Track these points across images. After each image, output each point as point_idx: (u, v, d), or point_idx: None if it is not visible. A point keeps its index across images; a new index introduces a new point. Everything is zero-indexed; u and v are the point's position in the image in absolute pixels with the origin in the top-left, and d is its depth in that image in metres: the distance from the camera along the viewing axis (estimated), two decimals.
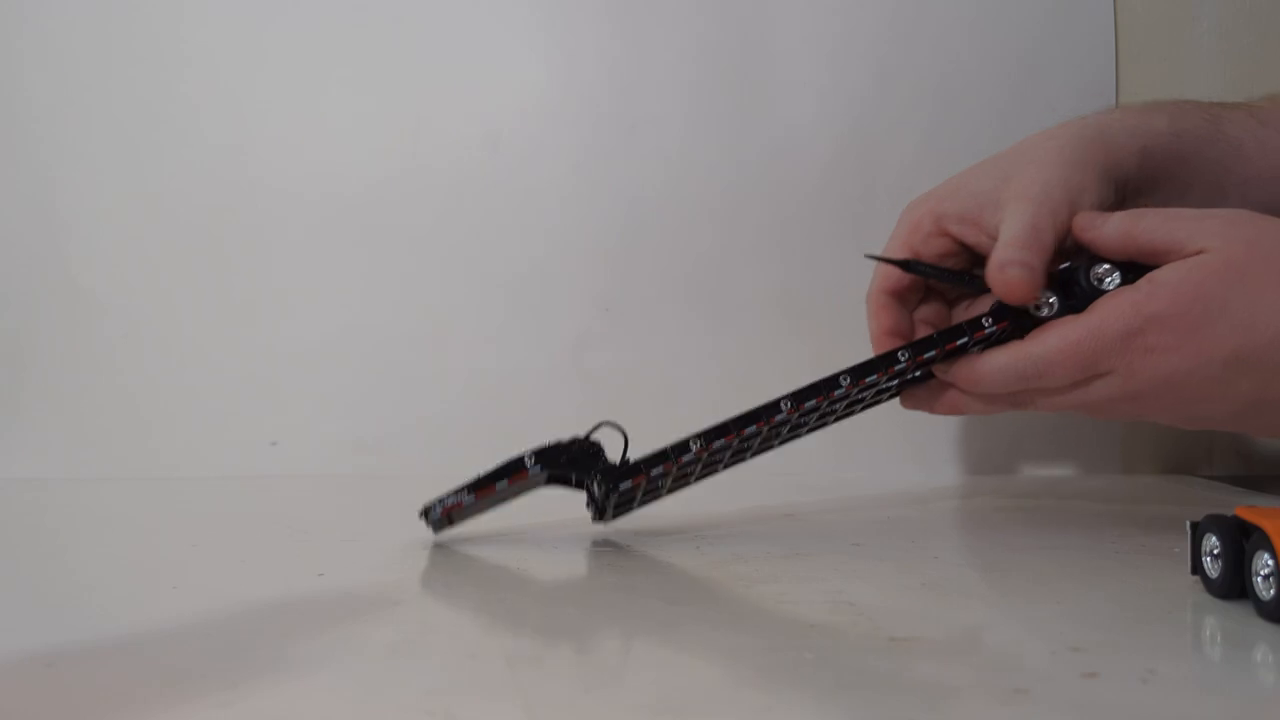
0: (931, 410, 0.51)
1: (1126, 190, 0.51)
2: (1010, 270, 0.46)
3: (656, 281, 0.76)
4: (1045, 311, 0.47)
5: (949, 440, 0.76)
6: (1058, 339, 0.45)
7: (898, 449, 0.73)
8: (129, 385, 0.75)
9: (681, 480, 0.52)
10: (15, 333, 0.75)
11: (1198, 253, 0.44)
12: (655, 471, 0.47)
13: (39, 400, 0.74)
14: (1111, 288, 0.46)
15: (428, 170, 0.76)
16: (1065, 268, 0.48)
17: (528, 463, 0.47)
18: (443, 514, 0.48)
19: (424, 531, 0.50)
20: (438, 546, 0.49)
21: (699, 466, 0.50)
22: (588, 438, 0.48)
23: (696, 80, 0.77)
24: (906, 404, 0.52)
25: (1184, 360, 0.44)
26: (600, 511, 0.51)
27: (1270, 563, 0.34)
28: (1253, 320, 0.43)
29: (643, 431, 0.48)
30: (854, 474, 0.70)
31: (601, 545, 0.49)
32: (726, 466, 0.52)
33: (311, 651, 0.33)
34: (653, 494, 0.52)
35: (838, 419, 0.52)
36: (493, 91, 0.77)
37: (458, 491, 0.48)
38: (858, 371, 0.48)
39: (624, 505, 0.51)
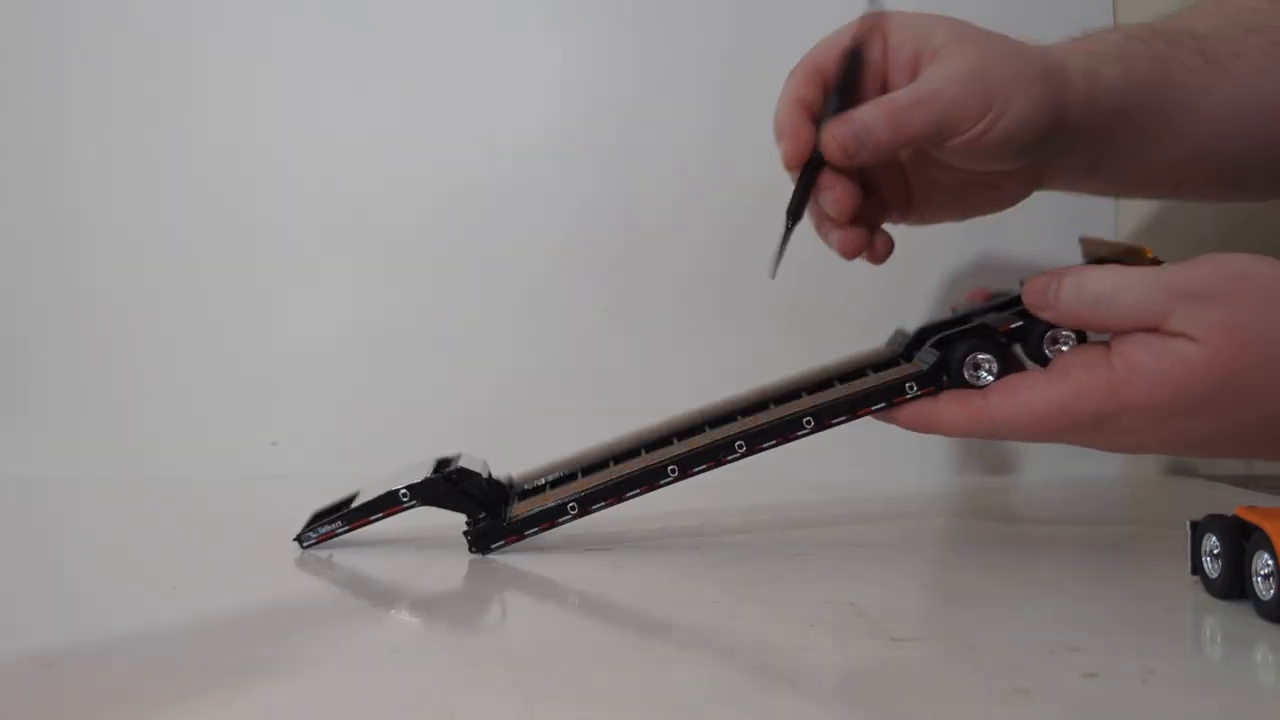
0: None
1: (1061, 131, 0.47)
2: (854, 133, 0.45)
3: (658, 284, 0.76)
4: (985, 381, 0.45)
5: (949, 440, 0.76)
6: (1025, 408, 0.43)
7: (898, 449, 0.73)
8: (129, 385, 0.75)
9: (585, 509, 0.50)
10: (15, 333, 0.75)
11: (1179, 334, 0.40)
12: (530, 532, 0.47)
13: (39, 400, 0.74)
14: (1068, 348, 0.44)
15: (428, 174, 0.76)
16: (1017, 326, 0.45)
17: (402, 498, 0.48)
18: (317, 540, 0.50)
19: (424, 532, 0.50)
20: (436, 547, 0.49)
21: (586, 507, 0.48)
22: (456, 472, 0.48)
23: (697, 84, 0.77)
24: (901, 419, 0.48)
25: (1156, 439, 0.43)
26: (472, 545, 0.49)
27: (1270, 563, 0.34)
28: (1233, 407, 0.41)
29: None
30: (855, 474, 0.70)
31: (601, 546, 0.49)
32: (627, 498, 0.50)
33: (311, 651, 0.33)
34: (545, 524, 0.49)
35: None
36: (493, 96, 0.77)
37: (331, 521, 0.49)
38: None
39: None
